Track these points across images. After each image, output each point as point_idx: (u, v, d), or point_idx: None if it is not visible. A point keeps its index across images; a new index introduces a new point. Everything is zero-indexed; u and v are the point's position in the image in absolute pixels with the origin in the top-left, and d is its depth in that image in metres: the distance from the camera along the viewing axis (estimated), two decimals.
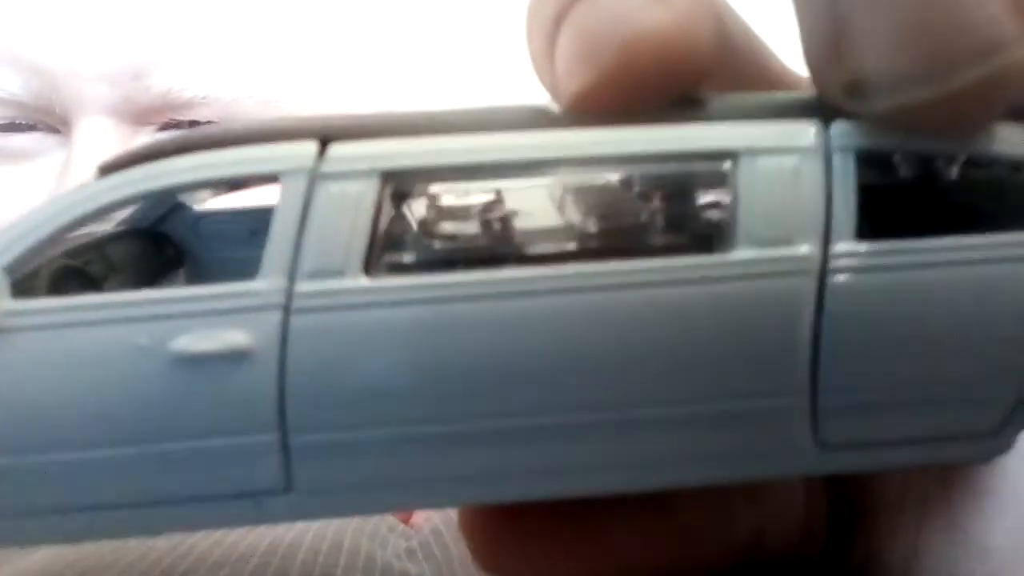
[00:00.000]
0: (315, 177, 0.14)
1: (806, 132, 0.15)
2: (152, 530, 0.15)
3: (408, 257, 0.15)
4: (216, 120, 0.43)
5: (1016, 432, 0.15)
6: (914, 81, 0.13)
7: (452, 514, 0.28)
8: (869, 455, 0.15)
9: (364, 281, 0.14)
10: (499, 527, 0.16)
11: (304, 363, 0.14)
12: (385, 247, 0.15)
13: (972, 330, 0.14)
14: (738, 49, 0.17)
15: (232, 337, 0.14)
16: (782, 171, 0.15)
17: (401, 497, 0.15)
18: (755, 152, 0.15)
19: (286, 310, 0.14)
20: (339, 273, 0.14)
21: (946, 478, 0.18)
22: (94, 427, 0.14)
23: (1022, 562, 0.18)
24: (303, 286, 0.14)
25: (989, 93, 0.13)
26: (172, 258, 0.20)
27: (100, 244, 0.18)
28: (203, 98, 0.43)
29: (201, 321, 0.14)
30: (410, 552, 0.26)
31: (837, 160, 0.15)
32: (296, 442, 0.14)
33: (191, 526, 0.15)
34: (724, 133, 0.15)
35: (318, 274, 0.14)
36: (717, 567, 0.19)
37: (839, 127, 0.15)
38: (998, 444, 0.15)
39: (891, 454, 0.15)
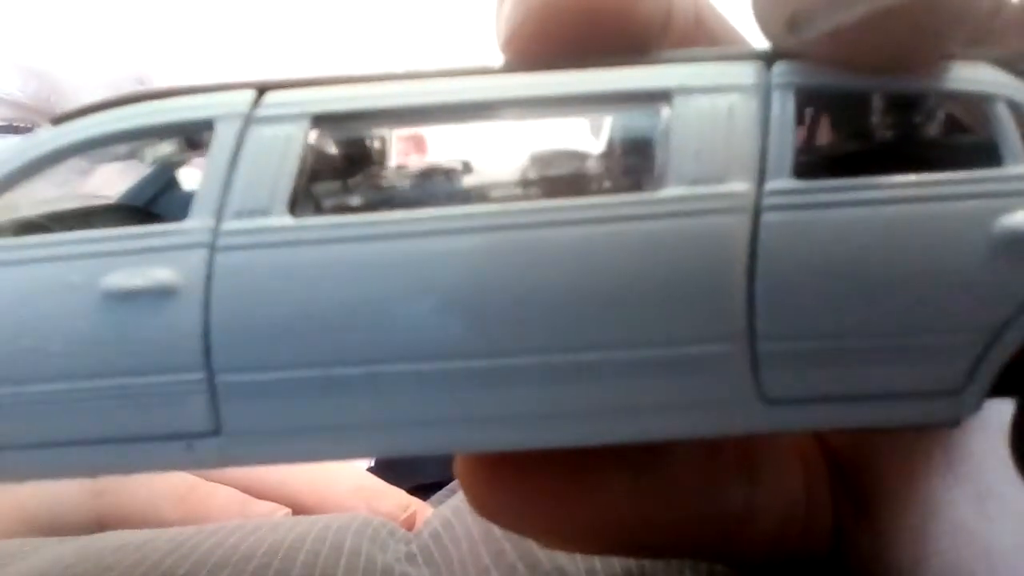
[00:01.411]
0: (248, 121, 0.15)
1: (744, 71, 0.15)
2: (88, 469, 0.15)
3: (341, 200, 0.15)
4: None
5: (981, 392, 0.14)
6: (844, 3, 0.13)
7: (451, 518, 0.28)
8: (817, 412, 0.14)
9: (288, 220, 0.14)
10: (494, 477, 0.17)
11: (228, 301, 0.14)
12: (321, 193, 0.15)
13: (922, 275, 0.14)
14: (709, 30, 0.18)
15: (159, 274, 0.14)
16: (715, 109, 0.14)
17: (330, 444, 0.14)
18: (689, 91, 0.14)
19: (212, 248, 0.14)
20: (264, 212, 0.14)
21: (950, 479, 0.18)
22: (29, 362, 0.14)
23: (1023, 564, 0.18)
24: (229, 225, 0.14)
25: (917, 16, 0.13)
26: None
27: (86, 214, 0.18)
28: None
29: (131, 259, 0.14)
30: (410, 556, 0.26)
31: (775, 98, 0.14)
32: (222, 381, 0.14)
33: (127, 467, 0.15)
34: (659, 73, 0.15)
35: (244, 213, 0.14)
36: (709, 533, 0.19)
37: (780, 67, 0.15)
38: (960, 404, 0.14)
39: (841, 411, 0.14)
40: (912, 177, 0.14)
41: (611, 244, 0.14)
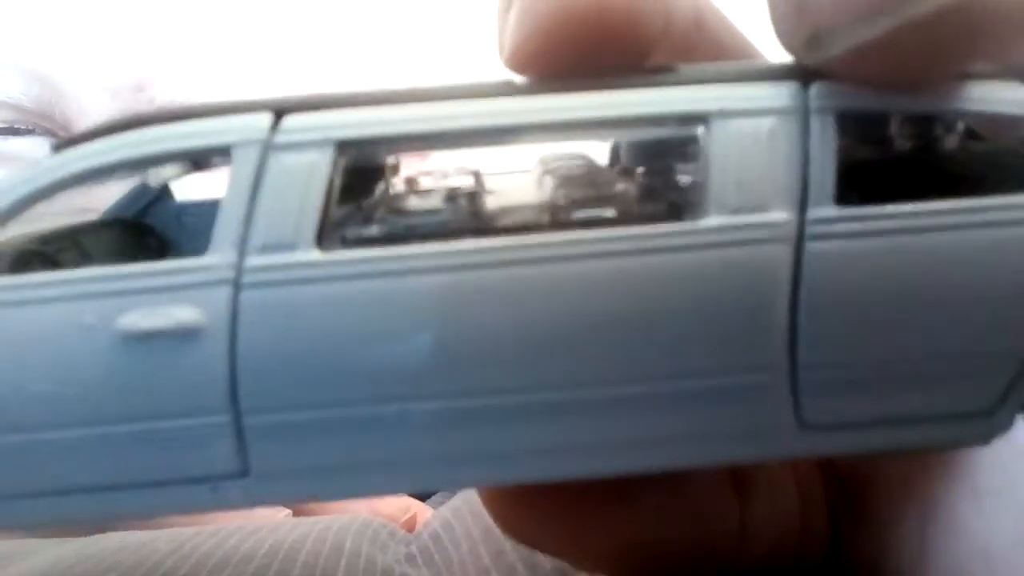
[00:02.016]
0: (267, 148, 0.14)
1: (782, 93, 0.14)
2: (108, 516, 0.15)
3: (365, 231, 0.14)
4: None
5: (1013, 412, 0.14)
6: (867, 19, 0.13)
7: (451, 519, 0.28)
8: (856, 436, 0.14)
9: (317, 255, 0.14)
10: (524, 502, 0.17)
11: (255, 340, 0.13)
12: (341, 220, 0.14)
13: (963, 300, 0.14)
14: (712, 33, 0.17)
15: (180, 314, 0.13)
16: (756, 134, 0.14)
17: (359, 482, 0.14)
18: (727, 114, 0.14)
19: (236, 285, 0.13)
20: (291, 247, 0.14)
21: (948, 479, 0.18)
22: (44, 409, 0.13)
23: (1020, 563, 0.18)
24: (254, 260, 0.13)
25: (942, 30, 0.13)
26: (155, 248, 0.20)
27: (74, 233, 0.17)
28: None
29: (149, 298, 0.13)
30: (410, 557, 0.26)
31: (815, 122, 0.14)
32: (249, 423, 0.13)
33: (148, 513, 0.14)
34: (695, 95, 0.14)
35: (269, 248, 0.14)
36: (712, 552, 0.19)
37: (818, 88, 0.14)
38: (994, 425, 0.14)
39: (879, 435, 0.14)
40: (953, 203, 0.14)
41: (653, 275, 0.14)
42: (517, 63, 0.15)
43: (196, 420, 0.13)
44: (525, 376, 0.13)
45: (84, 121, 0.43)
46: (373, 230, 0.14)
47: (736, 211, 0.14)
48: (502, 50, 0.15)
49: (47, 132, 0.44)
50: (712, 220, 0.14)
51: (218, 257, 0.14)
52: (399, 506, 0.37)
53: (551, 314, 0.13)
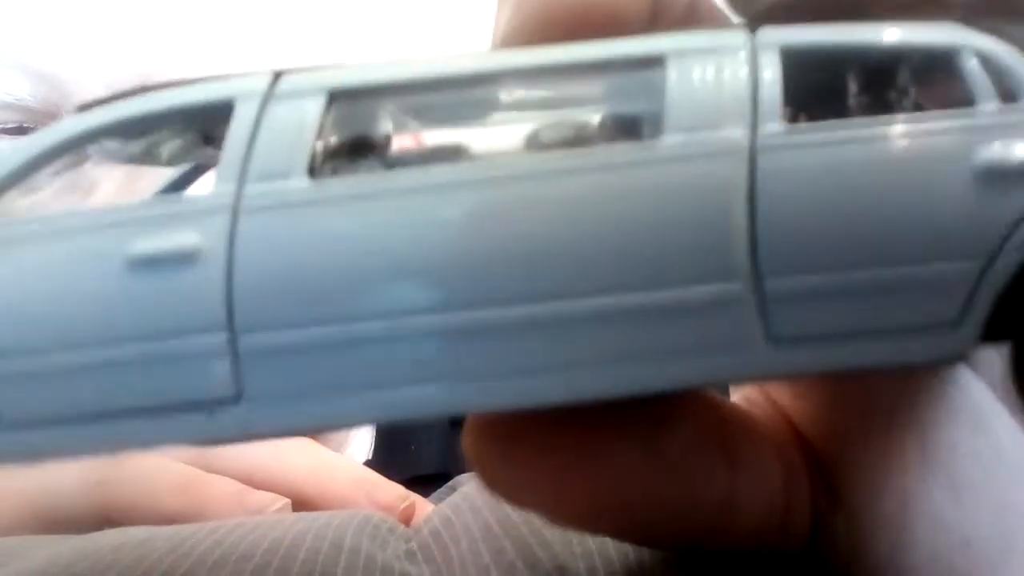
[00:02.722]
0: (266, 100, 0.15)
1: (732, 35, 0.16)
2: (109, 445, 0.15)
3: (353, 164, 0.16)
4: None
5: (978, 323, 0.15)
6: None
7: (451, 515, 0.28)
8: (825, 350, 0.15)
9: (307, 182, 0.15)
10: (504, 454, 0.17)
11: (251, 262, 0.14)
12: (332, 155, 0.15)
13: (913, 210, 0.14)
14: (704, 23, 0.18)
15: (182, 238, 0.14)
16: (707, 67, 0.15)
17: (350, 406, 0.15)
18: (683, 53, 0.15)
19: (234, 211, 0.15)
20: (284, 176, 0.15)
21: (924, 471, 0.18)
22: (60, 331, 0.14)
23: (1002, 553, 0.18)
24: (250, 189, 0.15)
25: None
26: None
27: None
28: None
29: (156, 226, 0.15)
30: (410, 554, 0.26)
31: (762, 55, 0.16)
32: (245, 343, 0.14)
33: (148, 441, 0.15)
34: (654, 42, 0.16)
35: (264, 178, 0.15)
36: (697, 519, 0.19)
37: (763, 31, 0.16)
38: (959, 339, 0.15)
39: (847, 349, 0.15)
40: (894, 117, 0.15)
41: (615, 192, 0.14)
42: (509, 40, 0.16)
43: (195, 338, 0.14)
44: (496, 291, 0.14)
45: None
46: (360, 163, 0.16)
47: (692, 130, 0.15)
48: (494, 37, 0.16)
49: None
50: (670, 139, 0.15)
51: (218, 188, 0.15)
52: (398, 495, 0.37)
53: (526, 231, 0.14)
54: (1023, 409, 0.16)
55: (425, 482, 0.41)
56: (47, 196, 0.39)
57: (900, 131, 0.15)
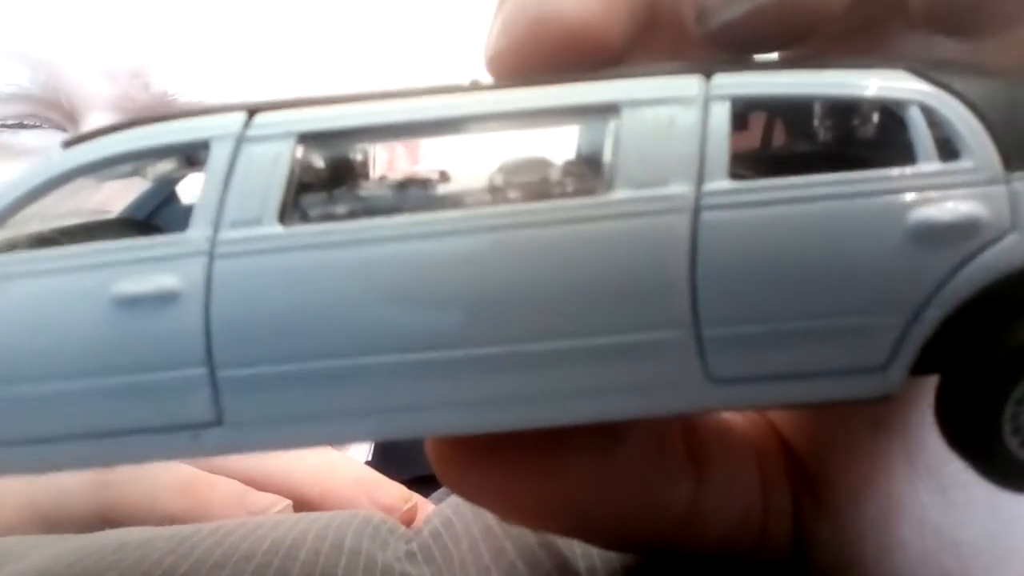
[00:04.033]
0: (240, 141, 0.16)
1: (687, 84, 0.16)
2: (100, 461, 0.17)
3: (322, 209, 0.17)
4: None
5: (904, 367, 0.16)
6: (732, 2, 0.16)
7: (452, 516, 0.28)
8: (760, 389, 0.16)
9: (278, 229, 0.16)
10: (464, 457, 0.18)
11: (226, 303, 0.16)
12: (302, 200, 0.16)
13: (845, 262, 0.15)
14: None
15: (163, 280, 0.16)
16: (660, 119, 0.16)
17: (322, 431, 0.16)
18: (637, 103, 0.16)
19: (210, 256, 0.16)
20: (256, 222, 0.16)
21: (912, 474, 0.18)
22: (47, 362, 0.16)
23: (993, 554, 0.18)
24: (225, 234, 0.16)
25: (782, 14, 0.16)
26: None
27: (88, 228, 0.19)
28: (197, 104, 0.44)
29: (138, 267, 0.16)
30: (410, 555, 0.26)
31: (714, 108, 0.16)
32: (223, 376, 0.16)
33: (138, 456, 0.16)
34: (611, 88, 0.16)
35: (238, 224, 0.16)
36: (658, 526, 0.20)
37: (718, 79, 0.16)
38: (888, 380, 0.16)
39: (782, 388, 0.16)
40: (835, 176, 0.16)
41: (569, 243, 0.15)
42: (495, 67, 0.17)
43: (176, 373, 0.16)
44: (457, 333, 0.15)
45: (89, 108, 0.43)
46: (329, 208, 0.17)
47: (640, 185, 0.16)
48: (485, 54, 0.17)
49: (55, 125, 0.45)
50: (619, 194, 0.16)
51: (196, 232, 0.16)
52: (400, 496, 0.37)
53: (481, 279, 0.15)
54: (949, 444, 0.17)
55: (425, 482, 0.41)
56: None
57: (838, 190, 0.16)
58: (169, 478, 0.35)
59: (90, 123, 0.43)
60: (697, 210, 0.15)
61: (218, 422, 0.16)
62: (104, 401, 0.16)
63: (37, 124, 0.44)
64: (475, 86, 0.17)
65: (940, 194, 0.15)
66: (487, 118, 0.17)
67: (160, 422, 0.16)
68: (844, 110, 0.18)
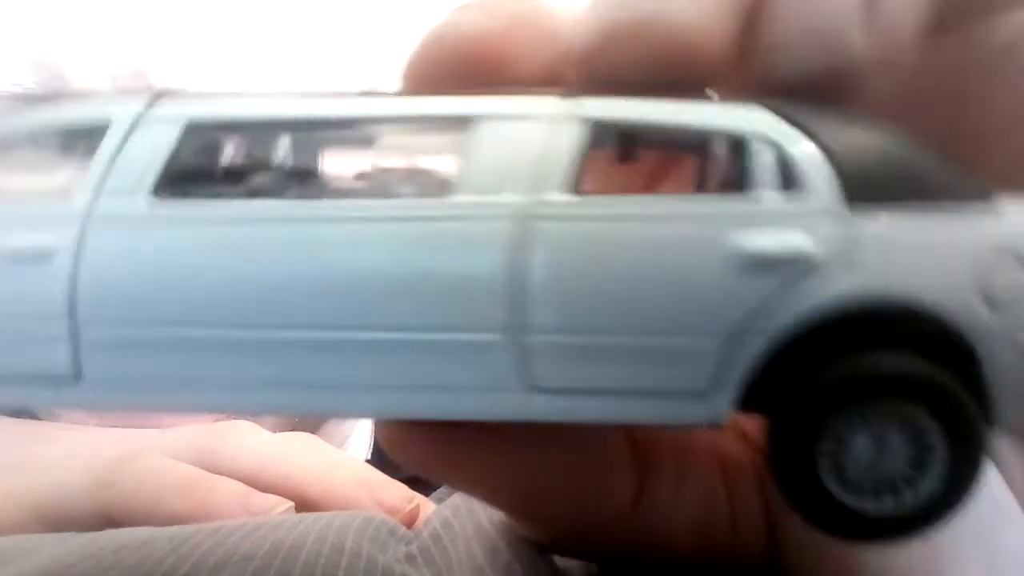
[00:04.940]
0: (135, 124, 0.18)
1: (544, 103, 0.17)
2: None
3: (194, 188, 0.18)
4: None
5: (728, 397, 0.16)
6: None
7: (451, 517, 0.28)
8: (586, 403, 0.16)
9: (148, 201, 0.17)
10: (408, 437, 0.19)
11: (93, 265, 0.17)
12: (178, 179, 0.17)
13: (669, 283, 0.16)
14: None
15: (42, 238, 0.17)
16: (509, 133, 0.17)
17: (175, 397, 0.17)
18: (494, 117, 0.17)
19: (86, 219, 0.17)
20: (131, 193, 0.17)
21: None
22: None
23: (961, 542, 0.18)
24: (100, 202, 0.17)
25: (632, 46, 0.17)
26: None
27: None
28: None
29: (26, 224, 0.17)
30: (410, 556, 0.26)
31: (564, 126, 0.17)
32: (85, 334, 0.17)
33: (5, 401, 0.19)
34: (476, 103, 0.17)
35: (114, 194, 0.17)
36: (604, 526, 0.20)
37: (578, 102, 0.17)
38: (712, 407, 0.16)
39: (608, 404, 0.16)
40: (668, 198, 0.16)
41: (411, 239, 0.16)
42: (405, 79, 0.18)
43: (42, 325, 0.17)
44: (298, 316, 0.16)
45: None
46: (201, 189, 0.18)
47: (478, 191, 0.16)
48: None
49: None
50: (458, 198, 0.16)
51: (77, 198, 0.17)
52: (403, 496, 0.37)
53: (320, 265, 0.16)
54: (777, 489, 0.16)
55: (425, 481, 0.41)
56: None
57: (669, 212, 0.16)
58: (171, 479, 0.35)
59: None
60: (527, 219, 0.16)
61: (77, 377, 0.17)
62: None
63: None
64: (367, 93, 0.18)
65: (771, 224, 0.16)
66: (355, 121, 0.18)
67: (25, 370, 0.17)
68: (693, 140, 0.19)
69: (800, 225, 0.16)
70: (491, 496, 0.20)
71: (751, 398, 0.16)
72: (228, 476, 0.36)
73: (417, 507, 0.36)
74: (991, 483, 0.20)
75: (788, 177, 0.16)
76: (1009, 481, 0.20)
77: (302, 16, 0.49)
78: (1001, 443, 0.20)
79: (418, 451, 0.19)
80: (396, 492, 0.37)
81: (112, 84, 0.43)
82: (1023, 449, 0.20)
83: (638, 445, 0.20)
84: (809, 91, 0.17)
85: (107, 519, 0.34)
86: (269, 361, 0.17)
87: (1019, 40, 0.20)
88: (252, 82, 0.46)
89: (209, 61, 0.45)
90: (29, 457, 0.36)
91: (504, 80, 0.18)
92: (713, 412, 0.16)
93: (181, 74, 0.44)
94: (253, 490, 0.35)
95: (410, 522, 0.34)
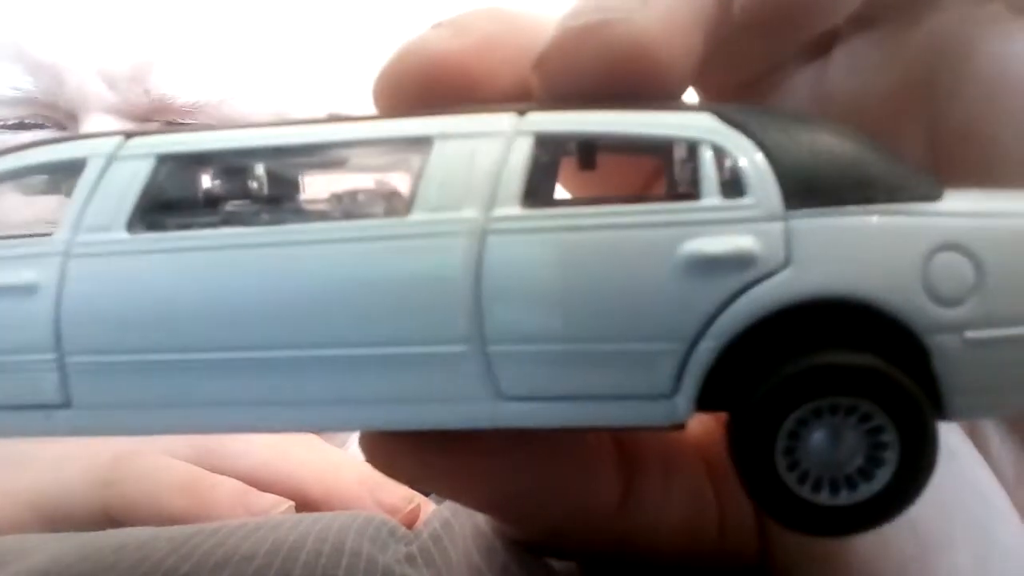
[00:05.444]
0: (111, 160, 0.19)
1: (496, 120, 0.18)
2: None
3: (167, 219, 0.19)
4: (209, 122, 0.45)
5: (690, 397, 0.16)
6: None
7: (450, 518, 0.28)
8: (553, 409, 0.17)
9: (123, 235, 0.18)
10: (390, 448, 0.19)
11: (75, 297, 0.18)
12: (152, 211, 0.18)
13: (625, 289, 0.16)
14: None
15: (26, 274, 0.18)
16: (463, 151, 0.17)
17: (161, 419, 0.18)
18: (447, 136, 0.17)
19: (66, 255, 0.18)
20: (107, 229, 0.18)
21: None
22: None
23: (950, 535, 0.18)
24: (80, 237, 0.18)
25: (581, 45, 0.17)
26: None
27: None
28: (193, 104, 0.46)
29: (11, 263, 0.18)
30: (410, 557, 0.26)
31: (517, 142, 0.17)
32: (71, 362, 0.18)
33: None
34: (430, 123, 0.18)
35: (92, 229, 0.18)
36: (593, 526, 0.20)
37: (529, 116, 0.17)
38: (675, 408, 0.16)
39: (574, 409, 0.17)
40: (619, 207, 0.17)
41: (372, 258, 0.17)
42: (376, 99, 0.19)
43: (31, 356, 0.18)
44: (271, 336, 0.17)
45: (88, 110, 0.43)
46: (174, 220, 0.18)
47: (435, 209, 0.17)
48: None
49: (56, 124, 0.45)
50: (415, 216, 0.17)
51: (58, 235, 0.18)
52: (403, 496, 0.37)
53: (299, 286, 0.17)
54: (741, 485, 0.17)
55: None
56: None
57: (620, 220, 0.16)
58: (171, 478, 0.35)
59: (90, 126, 0.43)
60: (484, 233, 0.17)
61: (67, 404, 0.18)
62: None
63: (38, 124, 0.44)
64: (331, 118, 0.19)
65: (717, 228, 0.16)
66: (315, 148, 0.19)
67: (17, 401, 0.18)
68: (643, 147, 0.19)
69: (744, 228, 0.16)
70: (474, 501, 0.20)
71: (712, 397, 0.16)
72: (228, 475, 0.36)
73: (417, 507, 0.36)
74: (981, 479, 0.20)
75: (733, 180, 0.17)
76: (999, 476, 0.20)
77: (300, 18, 0.49)
78: (992, 438, 0.20)
79: (403, 462, 0.19)
80: (396, 492, 0.37)
81: (110, 88, 0.43)
82: (1013, 444, 0.20)
83: (624, 446, 0.20)
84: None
85: (107, 517, 0.34)
86: (249, 381, 0.17)
87: (968, 28, 0.20)
88: (252, 82, 0.46)
89: (207, 64, 0.45)
90: (29, 455, 0.36)
91: (476, 97, 0.18)
92: (675, 412, 0.16)
93: (179, 78, 0.44)
94: (253, 489, 0.35)
95: (410, 522, 0.34)
